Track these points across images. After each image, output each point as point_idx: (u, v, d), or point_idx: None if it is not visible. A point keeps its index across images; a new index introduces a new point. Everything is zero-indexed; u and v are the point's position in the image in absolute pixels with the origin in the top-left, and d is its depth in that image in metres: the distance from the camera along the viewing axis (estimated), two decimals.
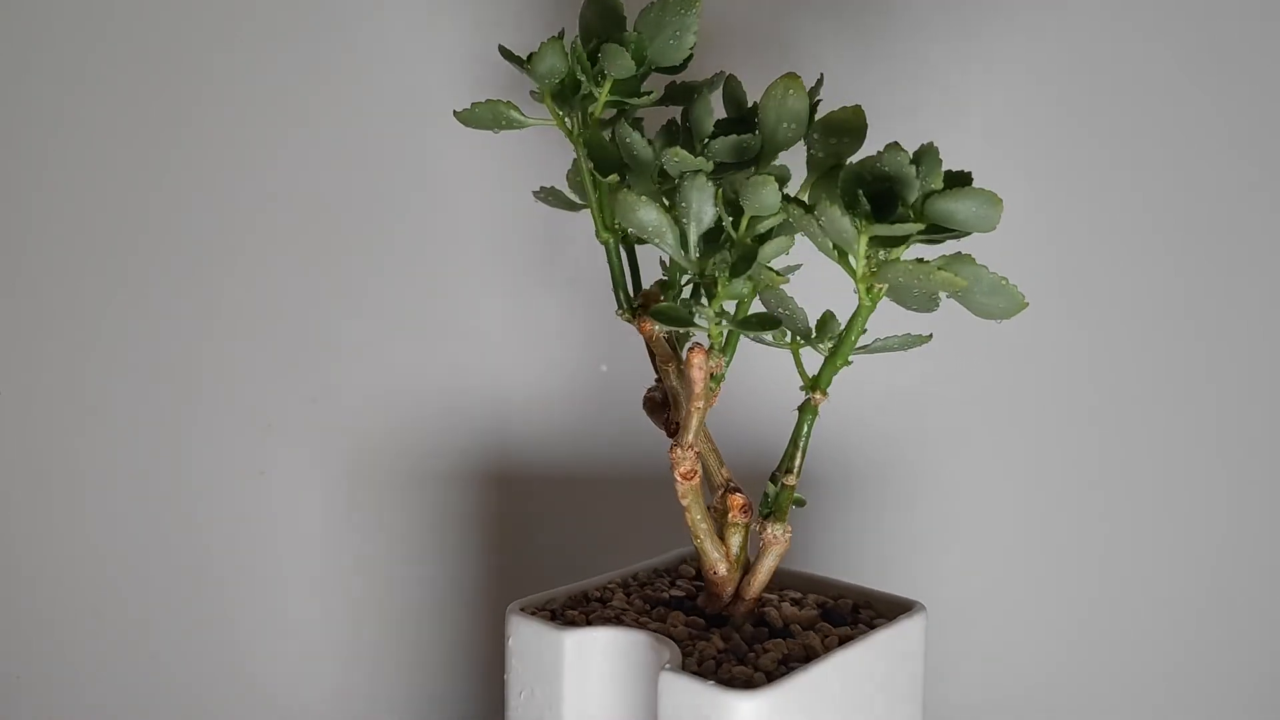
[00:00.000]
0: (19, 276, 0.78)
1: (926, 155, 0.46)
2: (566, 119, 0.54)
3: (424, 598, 0.80)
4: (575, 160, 0.56)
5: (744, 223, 0.51)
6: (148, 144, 0.77)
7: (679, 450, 0.54)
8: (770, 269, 0.51)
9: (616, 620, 0.56)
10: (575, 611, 0.57)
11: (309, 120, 0.77)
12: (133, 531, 0.79)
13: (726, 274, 0.50)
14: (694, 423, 0.53)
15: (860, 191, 0.46)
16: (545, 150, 0.72)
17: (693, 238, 0.51)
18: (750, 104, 0.54)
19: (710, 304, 0.51)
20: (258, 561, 0.80)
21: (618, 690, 0.54)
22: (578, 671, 0.53)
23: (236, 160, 0.78)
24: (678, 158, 0.50)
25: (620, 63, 0.51)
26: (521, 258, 0.75)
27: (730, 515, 0.56)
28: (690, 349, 0.51)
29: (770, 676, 0.51)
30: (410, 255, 0.78)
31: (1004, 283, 0.47)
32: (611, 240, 0.56)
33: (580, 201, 0.57)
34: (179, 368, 0.79)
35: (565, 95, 0.53)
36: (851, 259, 0.48)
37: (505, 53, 0.53)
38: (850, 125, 0.50)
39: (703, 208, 0.50)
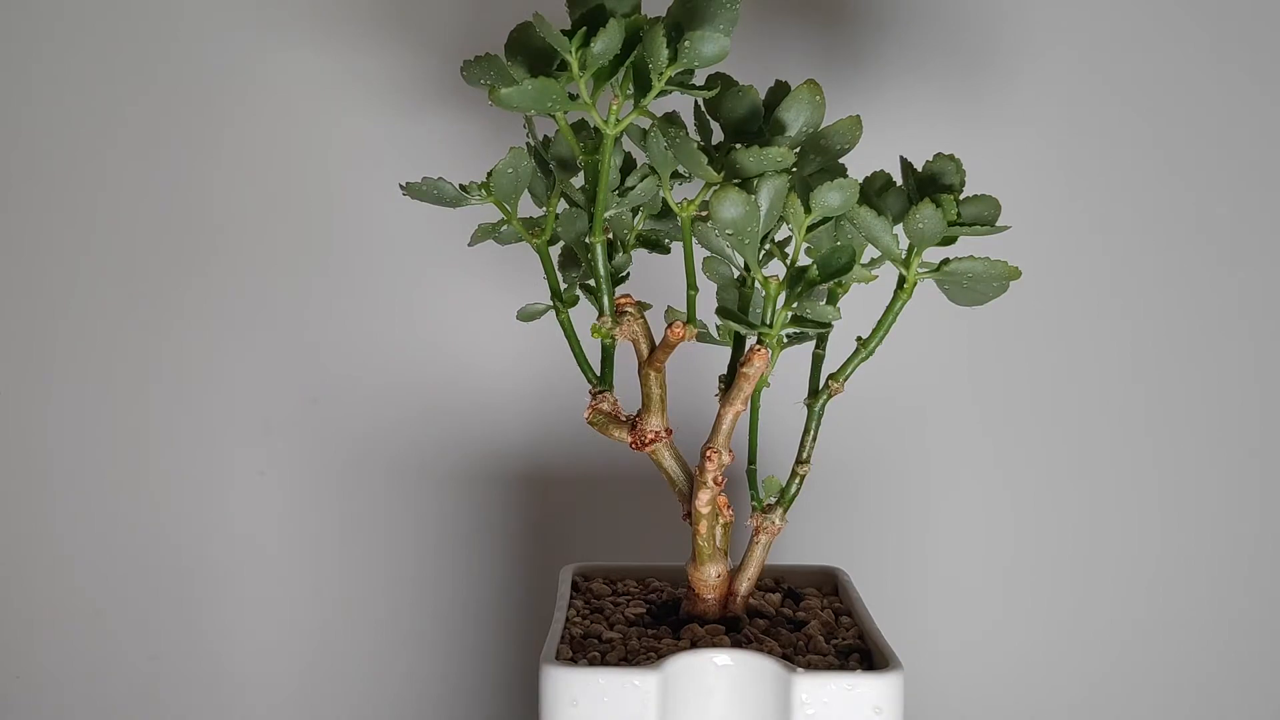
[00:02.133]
0: (14, 278, 0.78)
1: (955, 164, 0.53)
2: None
3: (424, 598, 0.80)
4: (514, 150, 0.52)
5: (805, 223, 0.51)
6: (143, 145, 0.77)
7: (719, 454, 0.53)
8: (863, 267, 0.54)
9: (666, 649, 0.53)
10: (593, 653, 0.53)
11: (306, 118, 0.77)
12: (132, 532, 0.79)
13: (816, 272, 0.51)
14: (729, 425, 0.54)
15: (952, 197, 0.50)
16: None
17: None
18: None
19: (782, 306, 0.52)
20: (256, 562, 0.80)
21: (717, 704, 0.50)
22: (669, 711, 0.49)
23: (233, 159, 0.77)
24: (774, 155, 0.49)
25: (711, 50, 0.47)
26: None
27: (719, 516, 0.56)
28: (755, 351, 0.52)
29: (840, 653, 0.54)
30: (412, 254, 0.78)
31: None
32: (600, 244, 0.54)
33: (466, 194, 0.54)
34: (178, 368, 0.78)
35: (600, 81, 0.49)
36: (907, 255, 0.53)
37: (545, 25, 0.47)
38: (850, 134, 0.53)
39: (774, 207, 0.50)
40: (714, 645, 0.52)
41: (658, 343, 0.54)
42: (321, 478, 0.79)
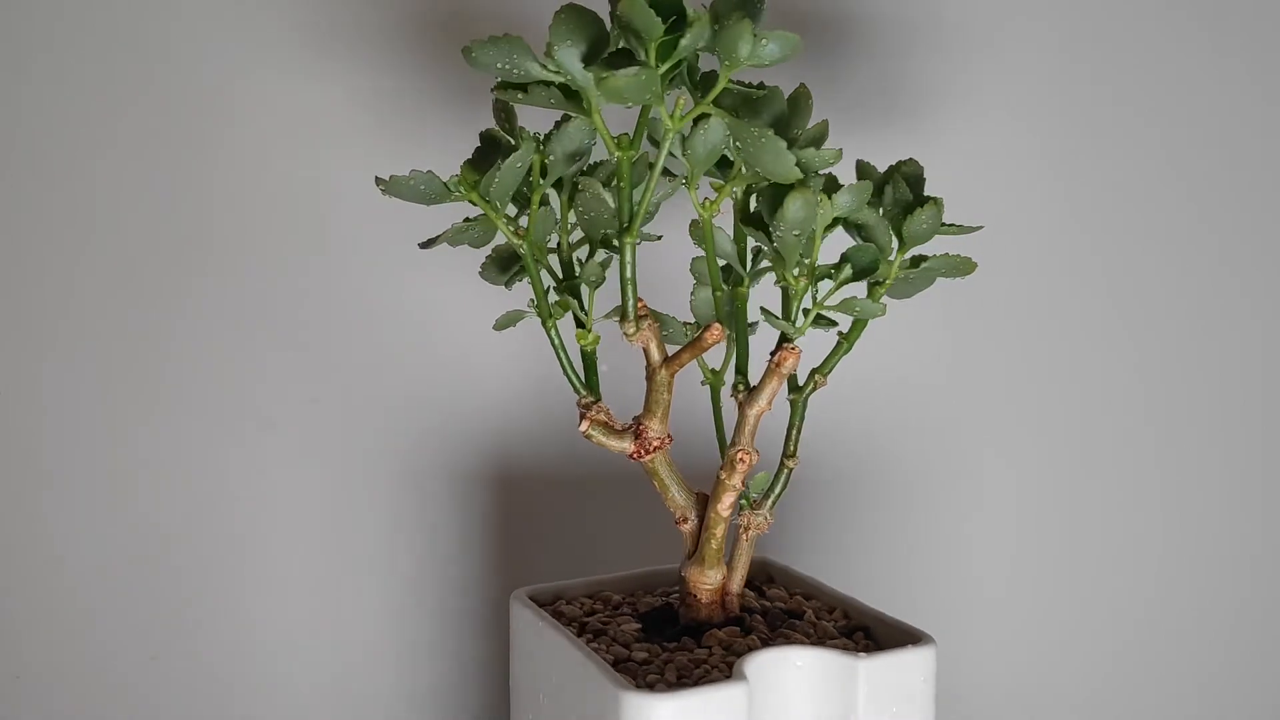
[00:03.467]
0: (13, 277, 0.75)
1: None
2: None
3: (422, 598, 0.80)
4: (526, 143, 0.51)
5: (826, 221, 0.52)
6: (142, 144, 0.75)
7: (751, 455, 0.53)
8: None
9: (715, 659, 0.53)
10: (651, 675, 0.53)
11: (307, 117, 0.76)
12: (131, 532, 0.77)
13: (850, 271, 0.52)
14: (754, 424, 0.54)
15: (941, 199, 0.52)
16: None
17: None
18: None
19: (813, 304, 0.52)
20: (256, 562, 0.78)
21: (797, 703, 0.51)
22: (755, 715, 0.50)
23: (233, 159, 0.76)
24: (828, 156, 0.50)
25: (782, 49, 0.46)
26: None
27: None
28: (790, 349, 0.52)
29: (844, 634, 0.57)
30: (410, 254, 0.75)
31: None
32: (632, 245, 0.52)
33: (450, 191, 0.53)
34: (177, 367, 0.77)
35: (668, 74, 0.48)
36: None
37: (643, 10, 0.45)
38: (822, 138, 0.54)
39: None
40: (787, 645, 0.52)
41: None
42: (322, 478, 0.78)
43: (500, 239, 0.56)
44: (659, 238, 0.60)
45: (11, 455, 0.76)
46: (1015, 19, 0.76)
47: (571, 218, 0.57)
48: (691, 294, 0.58)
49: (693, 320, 0.59)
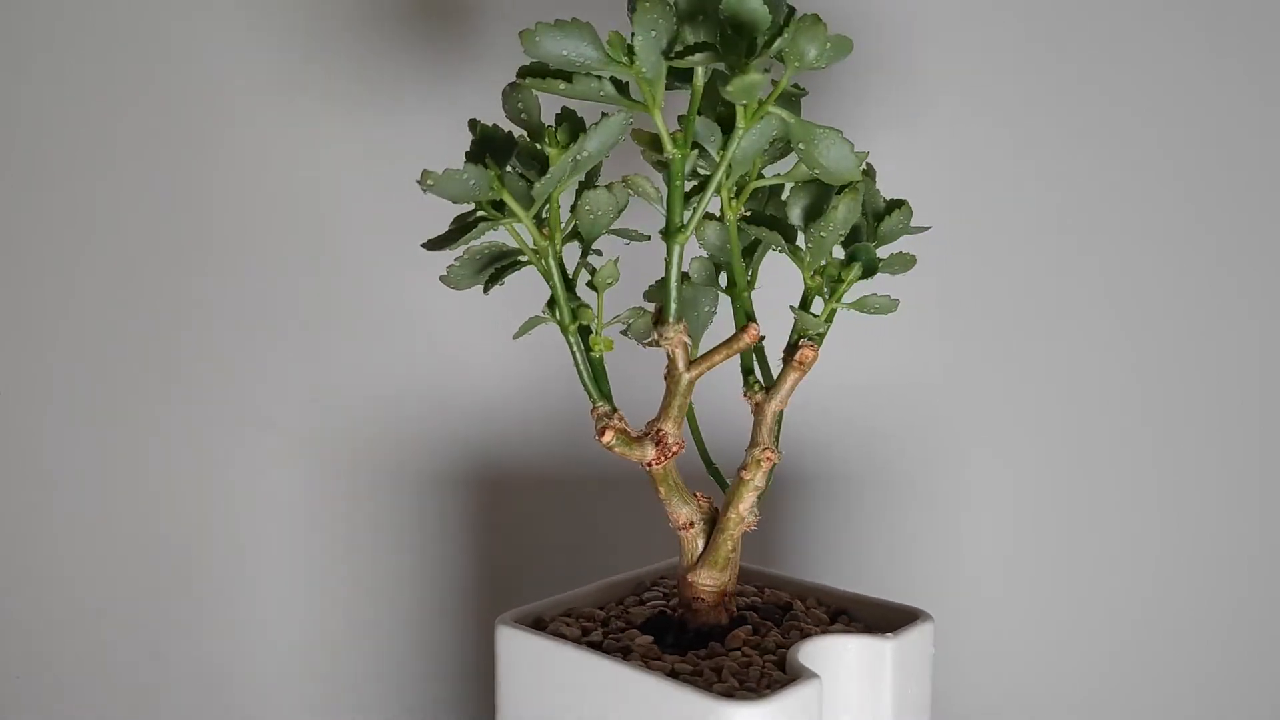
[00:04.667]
0: (14, 278, 0.76)
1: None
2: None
3: (418, 598, 0.79)
4: (583, 137, 0.49)
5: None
6: (143, 144, 0.75)
7: (774, 453, 0.53)
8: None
9: (751, 657, 0.54)
10: (717, 685, 0.52)
11: (307, 117, 0.75)
12: (132, 531, 0.78)
13: (860, 270, 0.52)
14: (774, 422, 0.53)
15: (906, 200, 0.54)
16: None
17: None
18: None
19: (830, 299, 0.52)
20: (256, 561, 0.78)
21: (848, 690, 0.53)
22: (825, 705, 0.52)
23: (233, 158, 0.75)
24: (863, 156, 0.50)
25: (843, 50, 0.46)
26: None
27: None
28: (810, 345, 0.52)
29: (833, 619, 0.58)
30: (410, 254, 0.74)
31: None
32: (680, 247, 0.50)
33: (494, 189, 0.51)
34: (177, 367, 0.77)
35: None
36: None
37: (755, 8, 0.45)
38: None
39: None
40: (834, 634, 0.54)
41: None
42: (322, 476, 0.78)
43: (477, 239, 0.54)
44: (648, 238, 0.58)
45: (11, 455, 0.76)
46: (1009, 19, 0.76)
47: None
48: None
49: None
